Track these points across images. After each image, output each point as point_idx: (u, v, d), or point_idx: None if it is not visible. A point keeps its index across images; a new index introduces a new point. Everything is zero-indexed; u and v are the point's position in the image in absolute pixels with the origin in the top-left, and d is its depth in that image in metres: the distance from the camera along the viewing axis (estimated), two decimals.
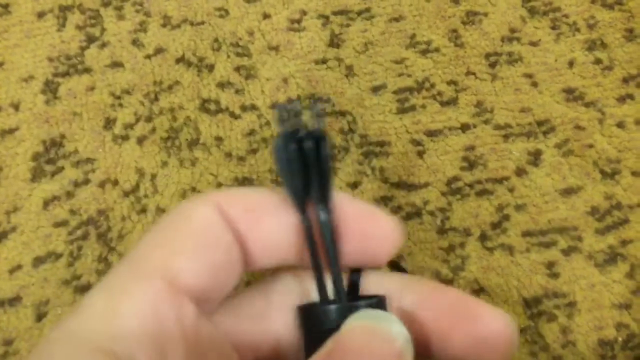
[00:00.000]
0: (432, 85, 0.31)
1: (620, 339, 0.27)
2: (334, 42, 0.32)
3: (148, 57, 0.32)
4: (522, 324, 0.27)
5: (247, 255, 0.21)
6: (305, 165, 0.21)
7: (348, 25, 0.33)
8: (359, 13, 0.33)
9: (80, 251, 0.29)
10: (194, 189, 0.30)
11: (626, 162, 0.29)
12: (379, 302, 0.21)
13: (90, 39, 0.33)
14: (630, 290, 0.27)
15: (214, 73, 0.32)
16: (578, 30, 0.32)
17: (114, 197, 0.30)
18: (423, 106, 0.31)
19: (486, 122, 0.30)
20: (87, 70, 0.32)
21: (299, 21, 0.33)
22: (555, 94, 0.31)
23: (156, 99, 0.31)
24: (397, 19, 0.33)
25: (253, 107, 0.31)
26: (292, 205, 0.21)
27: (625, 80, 0.31)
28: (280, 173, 0.21)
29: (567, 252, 0.28)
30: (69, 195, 0.30)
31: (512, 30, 0.32)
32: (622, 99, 0.30)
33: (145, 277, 0.19)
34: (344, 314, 0.20)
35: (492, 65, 0.31)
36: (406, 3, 0.33)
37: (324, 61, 0.32)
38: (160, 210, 0.29)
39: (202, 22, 0.33)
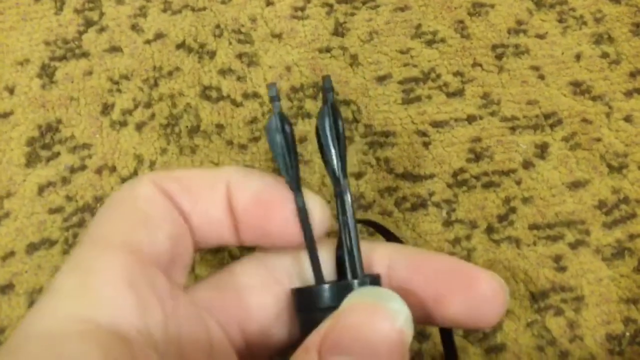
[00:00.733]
0: (438, 76, 0.31)
1: (628, 333, 0.26)
2: (339, 30, 0.32)
3: (148, 42, 0.32)
4: (529, 317, 0.26)
5: (192, 233, 0.21)
6: (319, 145, 0.21)
7: (353, 14, 0.32)
8: (364, 2, 0.32)
9: (75, 238, 0.28)
10: None
11: (633, 156, 0.29)
12: (374, 280, 0.20)
13: (89, 23, 0.32)
14: (638, 284, 0.27)
15: (215, 60, 0.31)
16: (585, 23, 0.32)
17: (111, 184, 0.29)
18: (429, 97, 0.30)
19: (493, 114, 0.30)
20: (85, 54, 0.31)
21: (302, 9, 0.32)
22: (562, 87, 0.30)
23: (156, 84, 0.31)
24: (402, 9, 0.32)
25: (255, 95, 0.30)
26: (286, 183, 0.21)
27: (633, 75, 0.30)
28: (275, 154, 0.21)
29: (574, 245, 0.27)
30: (65, 181, 0.29)
31: (519, 23, 0.32)
32: (629, 93, 0.30)
33: (111, 252, 0.19)
34: (341, 293, 0.19)
35: (499, 57, 0.31)
36: None
37: (328, 50, 0.31)
38: None
39: (204, 8, 0.32)
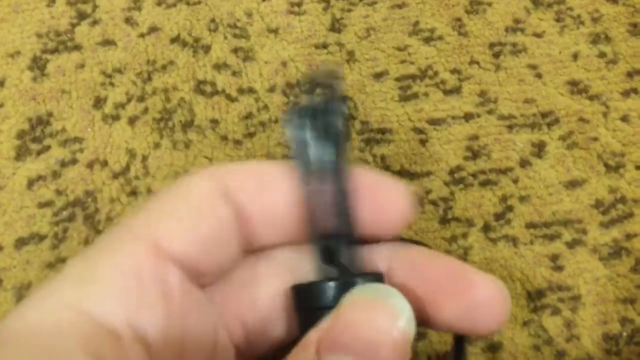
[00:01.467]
0: (435, 74, 0.30)
1: (624, 333, 0.26)
2: (335, 26, 0.31)
3: (142, 35, 0.31)
4: (526, 317, 0.26)
5: (250, 232, 0.20)
6: (321, 135, 0.21)
7: (350, 10, 0.32)
8: None
9: (65, 233, 0.27)
10: (187, 172, 0.28)
11: (630, 156, 0.29)
12: (376, 278, 0.20)
13: (82, 16, 0.32)
14: (635, 284, 0.27)
15: (210, 54, 0.31)
16: (582, 23, 0.32)
17: (102, 178, 0.28)
18: (426, 94, 0.30)
19: (490, 112, 0.30)
20: (77, 47, 0.31)
21: (299, 4, 0.32)
22: (559, 86, 0.30)
23: (149, 78, 0.30)
24: (399, 6, 0.32)
25: (250, 90, 0.30)
26: (299, 177, 0.20)
27: (630, 75, 0.30)
28: (293, 144, 0.20)
29: (571, 244, 0.27)
30: (55, 175, 0.28)
31: (517, 21, 0.31)
32: (626, 93, 0.30)
33: (128, 242, 0.18)
34: (342, 291, 0.19)
35: (496, 55, 0.31)
36: None
37: (324, 46, 0.31)
38: (152, 193, 0.28)
39: (199, 2, 0.32)
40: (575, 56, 0.31)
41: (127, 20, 0.31)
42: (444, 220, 0.28)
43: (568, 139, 0.29)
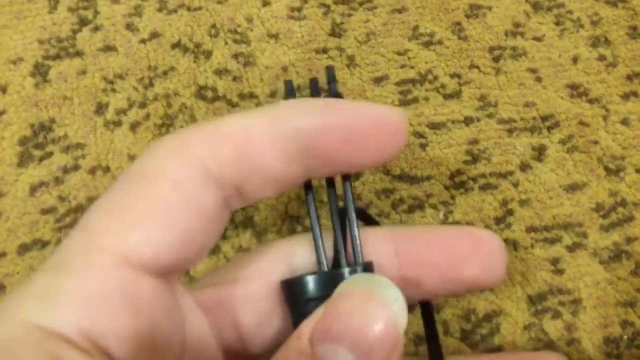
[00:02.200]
0: (435, 78, 0.30)
1: (625, 336, 0.26)
2: (335, 31, 0.31)
3: (143, 41, 0.31)
4: (526, 320, 0.26)
5: (241, 192, 0.19)
6: None
7: (350, 15, 0.32)
8: (361, 3, 0.32)
9: None
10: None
11: (630, 159, 0.29)
12: (366, 268, 0.20)
13: (83, 22, 0.32)
14: (635, 287, 0.27)
15: (211, 60, 0.31)
16: (582, 26, 0.32)
17: (104, 184, 0.28)
18: (426, 98, 0.30)
19: (490, 116, 0.30)
20: (79, 53, 0.31)
21: (299, 9, 0.32)
22: (559, 90, 0.30)
23: (151, 84, 0.30)
24: (399, 10, 0.32)
25: (251, 96, 0.30)
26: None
27: (630, 78, 0.30)
28: None
29: (571, 248, 0.27)
30: (58, 181, 0.29)
31: (516, 25, 0.32)
32: (626, 96, 0.30)
33: (94, 253, 0.17)
34: (332, 281, 0.19)
35: (496, 59, 0.31)
36: None
37: (324, 50, 0.31)
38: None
39: (200, 8, 0.32)
40: (575, 59, 0.31)
41: (128, 26, 0.32)
42: (445, 224, 0.28)
43: (568, 143, 0.29)
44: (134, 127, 0.30)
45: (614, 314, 0.26)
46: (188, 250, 0.18)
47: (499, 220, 0.28)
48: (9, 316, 0.16)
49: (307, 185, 0.21)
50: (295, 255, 0.21)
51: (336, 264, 0.21)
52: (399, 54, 0.31)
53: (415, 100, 0.30)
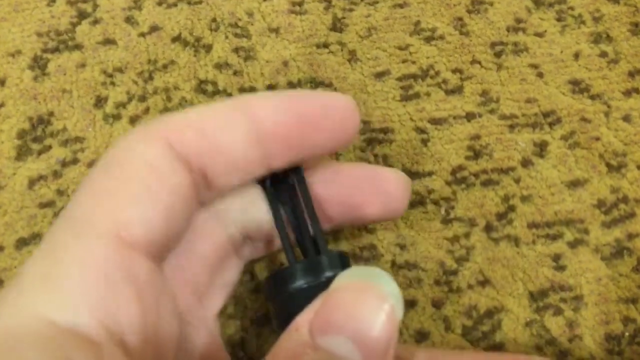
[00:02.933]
0: (437, 73, 0.30)
1: (627, 333, 0.26)
2: (337, 26, 0.31)
3: (142, 35, 0.31)
4: (528, 317, 0.26)
5: (207, 179, 0.20)
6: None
7: (351, 10, 0.32)
8: None
9: None
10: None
11: (632, 155, 0.29)
12: (342, 256, 0.21)
13: (82, 15, 0.31)
14: (637, 284, 0.27)
15: (212, 54, 0.31)
16: (583, 22, 0.32)
17: None
18: (427, 94, 0.30)
19: (492, 111, 0.30)
20: (78, 46, 0.31)
21: (300, 4, 0.32)
22: (561, 86, 0.30)
23: (150, 78, 0.30)
24: (401, 5, 0.32)
25: (252, 90, 0.30)
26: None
27: (631, 74, 0.30)
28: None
29: (573, 244, 0.27)
30: (56, 174, 0.28)
31: (518, 21, 0.31)
32: (628, 93, 0.30)
33: (90, 237, 0.17)
34: (313, 270, 0.20)
35: (498, 54, 0.31)
36: None
37: (325, 45, 0.31)
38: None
39: (200, 1, 0.32)
40: (576, 56, 0.31)
41: (128, 20, 0.31)
42: (446, 220, 0.28)
43: (570, 139, 0.29)
44: (133, 120, 0.29)
45: (615, 310, 0.26)
46: (171, 230, 0.19)
47: (500, 216, 0.28)
48: (11, 308, 0.16)
49: (263, 181, 0.22)
50: (252, 208, 0.22)
51: (308, 254, 0.22)
52: (400, 49, 0.31)
53: (417, 95, 0.30)
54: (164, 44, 0.31)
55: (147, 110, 0.29)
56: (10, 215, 0.28)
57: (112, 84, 0.30)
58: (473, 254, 0.27)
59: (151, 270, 0.18)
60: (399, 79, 0.30)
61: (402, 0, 0.32)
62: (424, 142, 0.29)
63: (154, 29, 0.31)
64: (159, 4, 0.32)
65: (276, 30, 0.31)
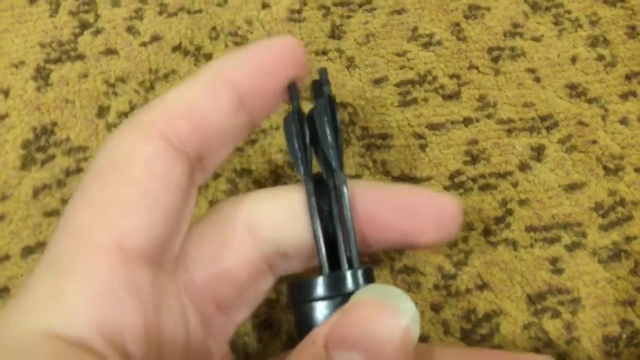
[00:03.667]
0: (435, 79, 0.31)
1: (624, 335, 0.26)
2: (335, 33, 0.32)
3: (144, 44, 0.32)
4: (526, 320, 0.26)
5: (202, 161, 0.20)
6: (314, 137, 0.22)
7: (349, 17, 0.32)
8: (360, 5, 0.32)
9: None
10: None
11: (629, 158, 0.29)
12: (367, 271, 0.21)
13: (84, 26, 0.32)
14: (634, 286, 0.27)
15: None
16: (580, 26, 0.32)
17: None
18: (425, 99, 0.30)
19: (489, 116, 0.30)
20: (80, 57, 0.31)
21: (299, 11, 0.32)
22: (558, 90, 0.30)
23: (152, 87, 0.31)
24: (399, 12, 0.32)
25: None
26: (302, 180, 0.21)
27: (628, 77, 0.31)
28: (290, 149, 0.21)
29: (571, 247, 0.27)
30: (60, 184, 0.29)
31: (515, 25, 0.32)
32: (624, 96, 0.30)
33: (92, 251, 0.17)
34: (335, 284, 0.20)
35: (495, 59, 0.31)
36: None
37: (324, 52, 0.31)
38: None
39: (200, 11, 0.32)
40: (573, 59, 0.31)
41: (129, 30, 0.32)
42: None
43: (567, 143, 0.29)
44: None
45: (613, 313, 0.27)
46: (170, 230, 0.19)
47: (498, 220, 0.28)
48: (19, 324, 0.16)
49: (309, 189, 0.21)
50: (263, 217, 0.22)
51: (336, 265, 0.21)
52: (398, 55, 0.31)
53: (415, 101, 0.30)
54: (164, 53, 0.31)
55: None
56: (16, 224, 0.28)
57: (114, 93, 0.30)
58: (471, 258, 0.27)
59: (153, 279, 0.18)
60: (397, 85, 0.30)
61: (400, 6, 0.32)
62: (422, 147, 0.29)
63: (155, 38, 0.32)
64: (160, 13, 0.32)
65: None
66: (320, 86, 0.22)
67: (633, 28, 0.32)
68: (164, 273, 0.19)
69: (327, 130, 0.21)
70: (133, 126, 0.19)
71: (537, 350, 0.26)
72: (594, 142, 0.29)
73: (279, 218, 0.21)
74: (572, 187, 0.29)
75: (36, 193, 0.29)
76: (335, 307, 0.20)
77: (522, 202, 0.28)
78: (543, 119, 0.30)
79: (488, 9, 0.32)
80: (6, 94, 0.30)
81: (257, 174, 0.29)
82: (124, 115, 0.30)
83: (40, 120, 0.30)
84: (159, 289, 0.19)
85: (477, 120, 0.30)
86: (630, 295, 0.27)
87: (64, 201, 0.28)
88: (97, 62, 0.31)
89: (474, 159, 0.29)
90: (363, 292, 0.19)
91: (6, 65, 0.31)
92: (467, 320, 0.27)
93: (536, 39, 0.31)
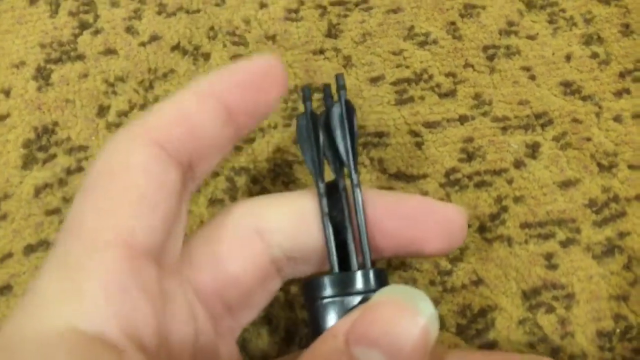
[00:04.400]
0: (431, 77, 0.31)
1: (618, 330, 0.27)
2: (332, 32, 0.32)
3: (143, 44, 0.32)
4: (521, 315, 0.27)
5: (192, 168, 0.21)
6: (329, 137, 0.22)
7: (346, 16, 0.32)
8: (357, 4, 0.33)
9: None
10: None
11: (623, 155, 0.29)
12: (379, 272, 0.22)
13: (84, 26, 0.32)
14: (627, 282, 0.27)
15: (210, 62, 0.31)
16: (575, 24, 0.32)
17: None
18: (421, 97, 0.31)
19: (484, 114, 0.30)
20: (80, 57, 0.32)
21: (296, 11, 0.32)
22: (552, 87, 0.31)
23: (151, 86, 0.31)
24: (395, 11, 0.32)
25: None
26: (313, 176, 0.22)
27: (622, 75, 0.31)
28: (302, 149, 0.23)
29: (565, 243, 0.28)
30: (62, 182, 0.29)
31: (510, 24, 0.32)
32: (618, 94, 0.31)
33: (102, 249, 0.18)
34: (347, 285, 0.21)
35: (490, 58, 0.31)
36: None
37: (321, 51, 0.32)
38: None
39: (198, 10, 0.33)
40: (568, 57, 0.31)
41: (128, 30, 0.32)
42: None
43: (562, 140, 0.30)
44: None
45: (606, 307, 0.27)
46: (168, 232, 0.20)
47: (493, 217, 0.28)
48: (36, 320, 0.17)
49: (321, 190, 0.22)
50: (268, 218, 0.22)
51: (347, 265, 0.22)
52: (394, 53, 0.31)
53: (411, 99, 0.31)
54: (163, 53, 0.32)
55: None
56: (18, 222, 0.29)
57: (114, 93, 0.31)
58: (467, 254, 0.28)
59: (158, 277, 0.19)
60: (394, 84, 0.31)
61: (396, 5, 0.32)
62: (419, 145, 0.30)
63: (154, 38, 0.32)
64: (158, 13, 0.32)
65: (273, 38, 0.32)
66: (337, 89, 0.23)
67: (627, 26, 0.32)
68: (167, 272, 0.20)
69: (343, 134, 0.22)
70: (129, 134, 0.20)
71: (531, 345, 0.26)
72: (588, 139, 0.30)
73: (288, 223, 0.22)
74: (566, 184, 0.29)
75: (38, 192, 0.29)
76: (350, 307, 0.20)
77: (517, 199, 0.29)
78: (538, 116, 0.30)
79: (483, 8, 0.32)
80: (7, 94, 0.31)
81: (255, 172, 0.29)
82: (124, 114, 0.30)
83: (41, 120, 0.30)
84: (164, 287, 0.19)
85: (473, 118, 0.30)
86: (623, 291, 0.27)
87: (66, 200, 0.29)
88: (96, 61, 0.32)
89: (469, 157, 0.29)
90: (384, 291, 0.20)
91: (7, 65, 0.31)
92: (463, 316, 0.27)
93: (531, 37, 0.32)
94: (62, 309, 0.17)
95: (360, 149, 0.30)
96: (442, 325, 0.27)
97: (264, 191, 0.29)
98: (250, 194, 0.29)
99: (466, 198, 0.29)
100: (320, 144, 0.22)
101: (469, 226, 0.28)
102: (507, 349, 0.26)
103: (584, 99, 0.30)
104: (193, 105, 0.20)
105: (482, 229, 0.28)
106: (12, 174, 0.29)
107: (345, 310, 0.21)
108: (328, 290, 0.21)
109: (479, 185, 0.29)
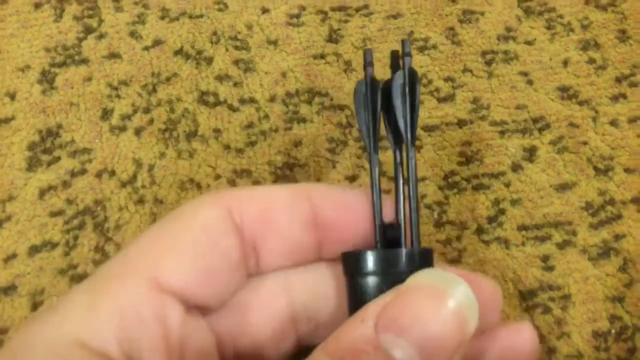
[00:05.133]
0: (430, 82, 0.31)
1: (613, 330, 0.27)
2: (333, 37, 0.32)
3: (146, 48, 0.32)
4: (518, 316, 0.27)
5: (256, 258, 0.21)
6: (389, 106, 0.21)
7: (346, 21, 0.33)
8: (358, 9, 0.33)
9: (76, 241, 0.29)
10: (192, 181, 0.30)
11: (619, 159, 0.30)
12: (425, 252, 0.20)
13: (88, 30, 0.33)
14: (623, 283, 0.28)
15: (213, 66, 0.32)
16: (572, 30, 0.33)
17: (111, 187, 0.30)
18: (421, 102, 0.31)
19: (482, 118, 0.31)
20: (85, 61, 0.32)
21: (297, 16, 0.33)
22: (550, 92, 0.31)
23: (154, 90, 0.31)
24: (395, 16, 0.33)
25: (251, 100, 0.31)
26: (365, 144, 0.22)
27: (618, 80, 0.31)
28: (358, 117, 0.22)
29: (561, 245, 0.28)
30: (65, 184, 0.30)
31: (508, 30, 0.33)
32: (615, 98, 0.31)
33: (129, 276, 0.19)
34: (392, 261, 0.20)
35: (489, 63, 0.32)
36: (404, 1, 0.33)
37: (322, 56, 0.32)
38: (158, 201, 0.29)
39: (201, 15, 0.33)
40: (565, 63, 0.32)
41: (132, 34, 0.33)
42: (439, 224, 0.29)
43: (558, 144, 0.30)
44: (138, 132, 0.31)
45: (602, 308, 0.27)
46: (211, 288, 0.20)
47: (491, 219, 0.29)
48: (52, 330, 0.18)
49: (374, 159, 0.21)
50: (298, 279, 0.22)
51: (392, 242, 0.21)
52: None
53: None
54: (166, 57, 0.32)
55: (151, 122, 0.31)
56: (23, 223, 0.29)
57: (118, 96, 0.31)
58: (465, 255, 0.28)
59: (183, 315, 0.20)
60: None
61: (396, 11, 0.33)
62: (418, 148, 0.30)
63: (157, 42, 0.32)
64: (162, 18, 0.33)
65: (274, 43, 0.32)
66: (402, 55, 0.21)
67: (623, 32, 0.32)
68: (197, 314, 0.20)
69: (405, 104, 0.21)
70: (209, 196, 0.21)
71: None
72: (585, 143, 0.30)
73: (313, 287, 0.22)
74: (563, 187, 0.29)
75: (42, 194, 0.29)
76: (389, 285, 0.19)
77: (514, 202, 0.29)
78: (535, 120, 0.31)
79: (482, 14, 0.33)
80: (12, 97, 0.31)
81: (256, 175, 0.30)
82: (127, 117, 0.31)
83: (45, 123, 0.31)
84: (188, 326, 0.20)
85: (471, 122, 0.31)
86: (619, 292, 0.28)
87: (69, 201, 0.29)
88: (100, 65, 0.32)
89: (467, 160, 0.30)
90: (421, 275, 0.18)
91: (12, 69, 0.32)
92: None
93: (529, 43, 0.32)
94: (75, 322, 0.18)
95: (360, 152, 0.30)
96: None
97: None
98: None
99: (464, 200, 0.29)
100: (378, 113, 0.21)
101: (467, 228, 0.29)
102: None
103: (580, 103, 0.31)
104: (281, 195, 0.21)
105: (479, 231, 0.29)
106: (16, 176, 0.30)
107: (382, 291, 0.19)
108: (369, 266, 0.19)
109: (477, 188, 0.29)
